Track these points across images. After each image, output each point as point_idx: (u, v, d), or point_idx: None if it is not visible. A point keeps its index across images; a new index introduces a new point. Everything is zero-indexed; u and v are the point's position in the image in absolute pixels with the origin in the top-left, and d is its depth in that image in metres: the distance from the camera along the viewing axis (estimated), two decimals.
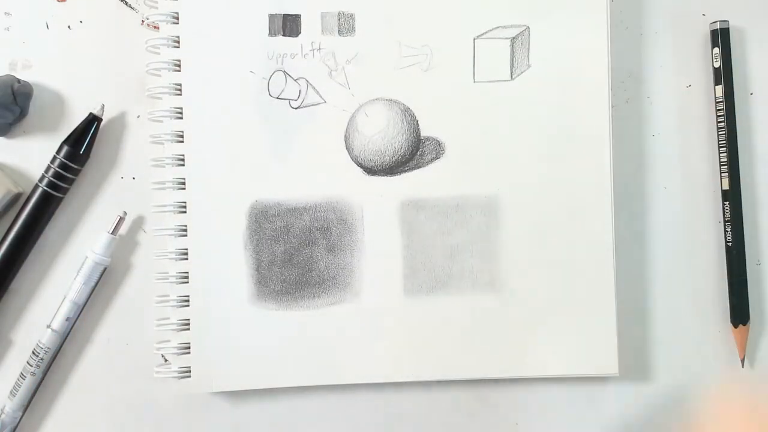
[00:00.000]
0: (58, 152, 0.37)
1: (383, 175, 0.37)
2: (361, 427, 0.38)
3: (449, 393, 0.38)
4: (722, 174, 0.38)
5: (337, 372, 0.37)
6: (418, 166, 0.37)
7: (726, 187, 0.38)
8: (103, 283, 0.38)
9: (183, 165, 0.37)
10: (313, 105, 0.37)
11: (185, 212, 0.37)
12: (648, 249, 0.39)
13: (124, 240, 0.38)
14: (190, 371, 0.37)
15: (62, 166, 0.37)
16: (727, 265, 0.38)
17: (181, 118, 0.37)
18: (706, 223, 0.39)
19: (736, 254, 0.38)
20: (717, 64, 0.38)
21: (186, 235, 0.37)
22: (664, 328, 0.38)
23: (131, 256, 0.39)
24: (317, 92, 0.37)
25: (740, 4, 0.39)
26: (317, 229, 0.37)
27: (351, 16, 0.37)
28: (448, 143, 0.37)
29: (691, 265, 0.39)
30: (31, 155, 0.38)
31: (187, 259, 0.37)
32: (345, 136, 0.37)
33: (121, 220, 0.38)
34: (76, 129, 0.37)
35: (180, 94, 0.37)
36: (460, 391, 0.38)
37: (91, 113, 0.37)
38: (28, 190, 0.38)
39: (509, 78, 0.37)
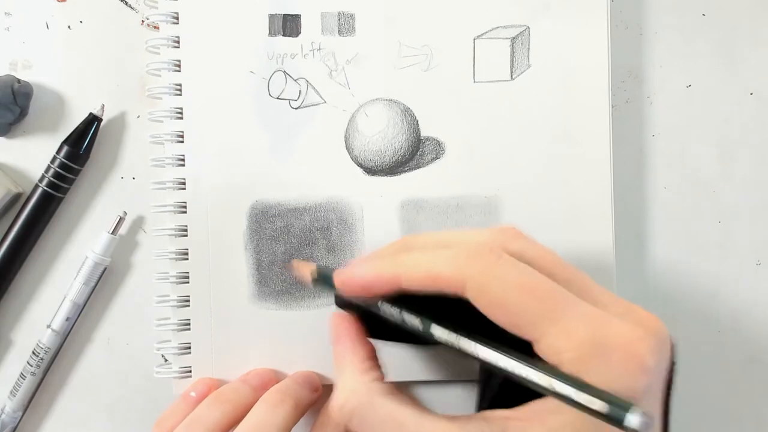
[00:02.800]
0: (58, 152, 0.37)
1: (383, 175, 0.37)
2: None
3: (449, 393, 0.38)
4: None
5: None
6: (418, 166, 0.37)
7: None
8: (103, 283, 0.38)
9: (183, 165, 0.37)
10: (313, 105, 0.37)
11: (185, 212, 0.37)
12: (648, 249, 0.39)
13: (124, 240, 0.38)
14: (190, 371, 0.37)
15: (62, 166, 0.37)
16: None
17: (181, 118, 0.37)
18: (706, 223, 0.39)
19: None
20: None
21: (186, 236, 0.37)
22: None
23: (131, 256, 0.39)
24: (317, 92, 0.37)
25: (740, 3, 0.39)
26: (317, 229, 0.37)
27: (351, 16, 0.37)
28: (448, 143, 0.37)
29: (690, 265, 0.39)
30: (31, 155, 0.38)
31: (187, 259, 0.37)
32: (345, 136, 0.37)
33: (121, 220, 0.38)
34: (76, 129, 0.37)
35: (180, 94, 0.37)
36: (460, 391, 0.38)
37: (91, 113, 0.37)
38: (28, 190, 0.38)
39: (509, 78, 0.37)
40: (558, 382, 0.24)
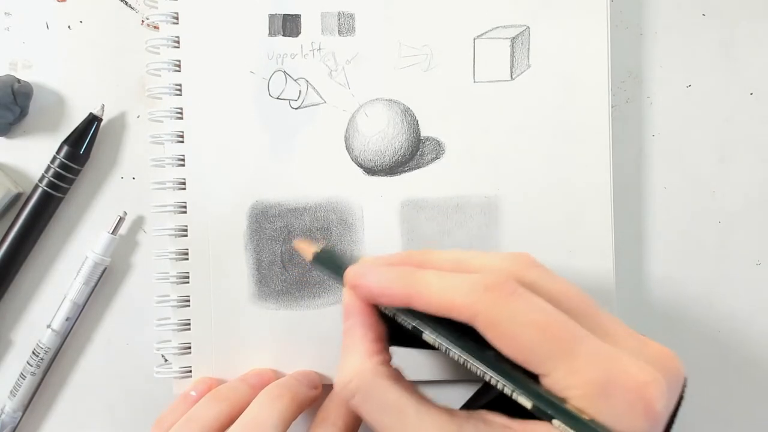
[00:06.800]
0: (58, 152, 0.37)
1: (383, 175, 0.37)
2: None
3: (449, 392, 0.38)
4: None
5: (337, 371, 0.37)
6: (418, 166, 0.37)
7: None
8: (103, 283, 0.38)
9: (183, 165, 0.37)
10: (313, 105, 0.37)
11: (185, 212, 0.37)
12: (647, 249, 0.39)
13: (124, 240, 0.38)
14: (190, 371, 0.37)
15: (62, 166, 0.37)
16: None
17: (181, 118, 0.37)
18: (705, 223, 0.39)
19: None
20: None
21: (186, 236, 0.37)
22: (665, 329, 0.38)
23: (131, 256, 0.39)
24: (317, 92, 0.37)
25: (740, 3, 0.39)
26: (317, 229, 0.37)
27: (351, 16, 0.37)
28: (448, 143, 0.37)
29: (690, 266, 0.39)
30: (31, 155, 0.38)
31: (187, 259, 0.37)
32: (345, 136, 0.37)
33: (121, 220, 0.38)
34: (76, 129, 0.37)
35: (180, 94, 0.37)
36: (460, 391, 0.38)
37: (91, 113, 0.37)
38: (28, 190, 0.38)
39: (509, 78, 0.37)
40: (553, 404, 0.25)
